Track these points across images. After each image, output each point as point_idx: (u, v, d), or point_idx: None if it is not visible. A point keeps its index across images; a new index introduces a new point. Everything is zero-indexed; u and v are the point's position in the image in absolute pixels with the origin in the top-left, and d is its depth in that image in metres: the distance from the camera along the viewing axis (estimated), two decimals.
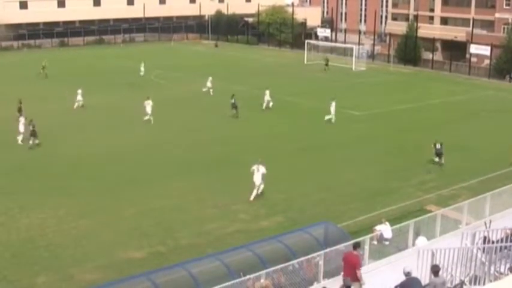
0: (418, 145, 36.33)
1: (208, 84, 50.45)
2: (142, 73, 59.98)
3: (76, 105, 44.40)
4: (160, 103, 44.59)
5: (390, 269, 17.49)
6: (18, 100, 40.83)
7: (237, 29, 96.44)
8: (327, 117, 41.12)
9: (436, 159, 32.50)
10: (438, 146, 32.64)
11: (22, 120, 36.18)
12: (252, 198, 27.11)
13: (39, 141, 34.80)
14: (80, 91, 44.88)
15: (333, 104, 40.65)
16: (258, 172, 27.56)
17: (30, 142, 34.60)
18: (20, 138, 35.42)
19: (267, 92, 45.16)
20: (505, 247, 16.52)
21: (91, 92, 47.77)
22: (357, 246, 16.60)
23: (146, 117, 40.74)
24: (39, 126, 35.15)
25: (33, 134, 34.60)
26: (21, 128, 35.59)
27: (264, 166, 27.44)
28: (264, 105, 45.07)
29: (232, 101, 42.50)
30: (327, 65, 65.12)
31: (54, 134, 37.44)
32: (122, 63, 68.62)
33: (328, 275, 17.38)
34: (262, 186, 27.53)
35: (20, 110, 39.43)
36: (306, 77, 60.43)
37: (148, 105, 40.95)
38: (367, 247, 18.45)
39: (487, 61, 66.36)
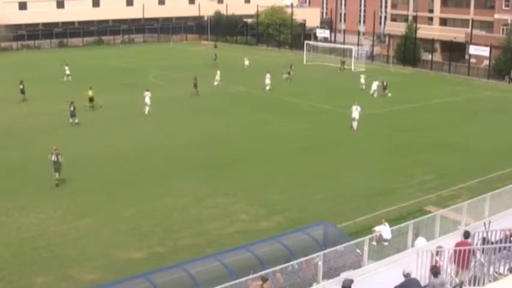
0: (418, 145, 36.37)
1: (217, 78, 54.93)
2: (246, 66, 65.77)
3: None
4: (160, 103, 44.66)
5: (389, 270, 17.48)
6: (193, 78, 50.06)
7: (236, 30, 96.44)
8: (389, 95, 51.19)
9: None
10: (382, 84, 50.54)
11: (148, 94, 42.91)
12: (355, 128, 38.88)
13: (78, 120, 39.24)
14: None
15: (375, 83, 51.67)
16: (356, 110, 39.06)
17: (70, 121, 39.08)
18: (146, 109, 42.37)
19: (268, 75, 52.55)
20: (504, 248, 16.51)
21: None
22: (468, 235, 17.08)
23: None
24: None
25: (73, 114, 39.07)
26: (148, 101, 42.62)
27: (360, 106, 39.12)
28: (267, 88, 52.21)
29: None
30: (343, 64, 66.44)
31: (55, 133, 37.54)
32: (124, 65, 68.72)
33: (328, 275, 17.38)
34: (357, 124, 38.91)
35: (195, 86, 49.65)
36: (305, 77, 60.44)
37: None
38: (366, 248, 18.45)
39: (486, 62, 66.40)
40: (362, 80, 54.46)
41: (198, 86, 49.91)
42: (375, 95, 51.16)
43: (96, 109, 44.48)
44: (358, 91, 52.30)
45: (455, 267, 16.18)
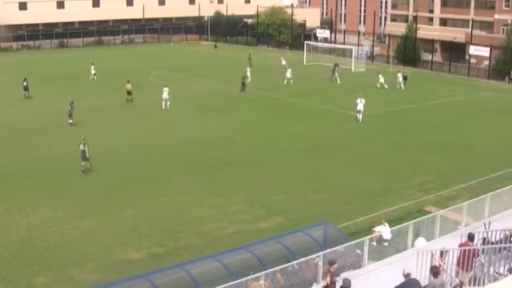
0: (418, 145, 36.37)
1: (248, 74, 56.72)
2: (283, 66, 65.04)
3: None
4: (159, 104, 44.70)
5: (389, 270, 17.48)
6: (242, 77, 53.21)
7: (236, 30, 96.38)
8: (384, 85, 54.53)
9: None
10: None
11: (167, 89, 45.03)
12: (360, 120, 41.01)
13: (73, 121, 39.29)
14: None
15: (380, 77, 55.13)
16: (361, 103, 41.05)
17: (69, 121, 39.17)
18: (164, 104, 44.49)
19: (289, 70, 56.56)
20: (504, 248, 16.52)
21: (88, 94, 47.81)
22: (473, 237, 17.01)
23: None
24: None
25: (70, 114, 39.17)
26: (166, 96, 44.55)
27: (364, 99, 41.47)
28: (285, 81, 55.48)
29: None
30: (336, 66, 65.76)
31: (55, 134, 37.59)
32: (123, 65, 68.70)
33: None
34: (362, 116, 40.97)
35: (244, 84, 52.48)
36: (305, 77, 60.45)
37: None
38: (366, 248, 18.46)
39: (486, 62, 66.39)
40: (381, 80, 54.82)
41: (246, 84, 52.71)
42: (402, 87, 55.11)
43: (134, 102, 46.66)
44: (357, 92, 52.23)
45: (456, 267, 16.18)
